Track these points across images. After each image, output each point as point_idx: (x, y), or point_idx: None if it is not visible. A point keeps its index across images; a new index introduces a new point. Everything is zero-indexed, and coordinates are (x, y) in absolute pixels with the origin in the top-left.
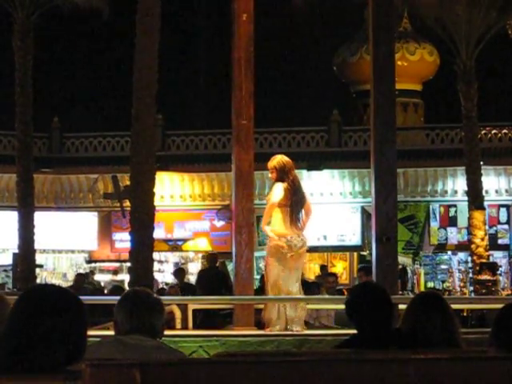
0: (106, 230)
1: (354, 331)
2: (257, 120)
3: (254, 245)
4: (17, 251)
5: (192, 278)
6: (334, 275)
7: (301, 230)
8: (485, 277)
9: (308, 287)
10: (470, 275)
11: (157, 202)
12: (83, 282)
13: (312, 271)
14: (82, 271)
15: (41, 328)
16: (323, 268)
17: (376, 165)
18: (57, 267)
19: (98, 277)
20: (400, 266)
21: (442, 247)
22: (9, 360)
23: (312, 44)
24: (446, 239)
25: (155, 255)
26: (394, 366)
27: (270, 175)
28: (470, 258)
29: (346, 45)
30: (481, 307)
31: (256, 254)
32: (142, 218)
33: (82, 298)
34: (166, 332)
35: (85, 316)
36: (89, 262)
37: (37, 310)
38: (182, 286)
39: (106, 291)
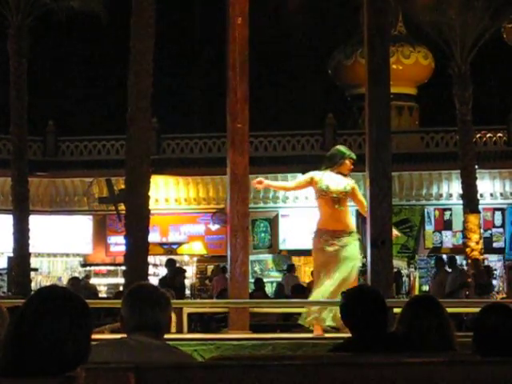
0: (100, 233)
1: (349, 335)
2: (252, 123)
3: (249, 248)
4: (12, 255)
5: (187, 282)
6: None
7: None
8: (480, 280)
9: (302, 291)
10: None
11: (152, 205)
12: (78, 285)
13: (307, 275)
14: (76, 275)
15: (45, 330)
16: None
17: (371, 168)
18: (52, 271)
19: (92, 280)
20: (394, 270)
21: (436, 251)
22: (11, 363)
23: (307, 47)
24: (441, 243)
25: (150, 259)
26: (389, 370)
27: (351, 166)
28: (464, 262)
29: (340, 48)
30: (476, 311)
31: (251, 257)
32: (137, 222)
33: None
34: None
35: (89, 318)
36: (84, 265)
37: (42, 311)
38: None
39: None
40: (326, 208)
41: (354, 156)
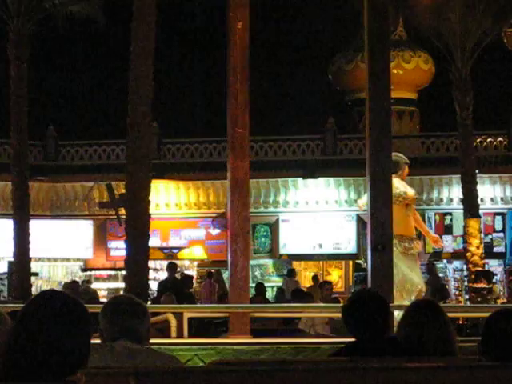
0: (101, 238)
1: (350, 339)
2: (252, 128)
3: (250, 253)
4: (12, 259)
5: None
6: (330, 283)
7: None
8: (480, 285)
9: (302, 296)
10: (466, 283)
11: (152, 210)
12: (77, 289)
13: (307, 279)
14: (77, 279)
15: (45, 335)
16: (315, 278)
17: (371, 173)
18: (52, 275)
19: (93, 285)
20: None
21: (437, 255)
22: (12, 368)
23: (307, 52)
24: (442, 247)
25: (150, 263)
26: (390, 374)
27: (408, 171)
28: (465, 266)
29: (341, 53)
30: (476, 315)
31: (251, 262)
32: (138, 227)
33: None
34: (162, 340)
35: (89, 323)
36: (84, 270)
37: (41, 316)
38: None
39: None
40: (397, 214)
41: (408, 161)
